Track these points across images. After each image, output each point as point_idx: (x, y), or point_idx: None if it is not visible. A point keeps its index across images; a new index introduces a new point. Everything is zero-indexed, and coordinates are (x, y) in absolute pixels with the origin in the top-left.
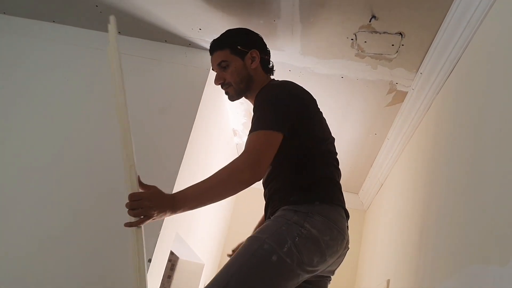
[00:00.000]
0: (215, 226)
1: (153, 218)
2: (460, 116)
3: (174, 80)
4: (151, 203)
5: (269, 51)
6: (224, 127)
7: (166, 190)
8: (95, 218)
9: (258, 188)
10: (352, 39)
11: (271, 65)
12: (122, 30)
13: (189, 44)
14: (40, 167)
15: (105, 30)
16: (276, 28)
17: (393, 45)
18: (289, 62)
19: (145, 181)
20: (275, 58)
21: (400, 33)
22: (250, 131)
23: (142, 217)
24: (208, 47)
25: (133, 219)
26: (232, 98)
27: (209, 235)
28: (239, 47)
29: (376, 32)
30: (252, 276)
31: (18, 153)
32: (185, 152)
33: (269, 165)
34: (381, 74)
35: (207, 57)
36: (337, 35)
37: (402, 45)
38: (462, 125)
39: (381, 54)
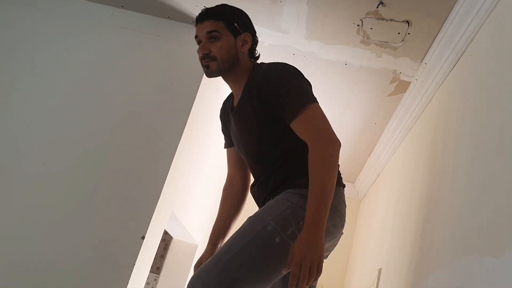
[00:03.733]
0: (211, 208)
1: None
2: (462, 109)
3: (177, 57)
4: (305, 257)
5: (257, 41)
6: None
7: (163, 168)
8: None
9: None
10: (358, 25)
11: (257, 54)
12: (125, 4)
13: (193, 21)
14: (42, 146)
15: (108, 3)
16: (282, 10)
17: (399, 33)
18: (293, 46)
19: (142, 157)
20: (280, 41)
21: (407, 21)
22: (294, 110)
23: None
24: None
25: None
26: (211, 74)
27: (204, 216)
28: (236, 24)
29: (382, 19)
30: (254, 257)
31: (19, 130)
32: (184, 131)
33: (274, 147)
34: (385, 63)
35: None
36: (343, 20)
37: (408, 33)
38: (463, 118)
39: (387, 42)
